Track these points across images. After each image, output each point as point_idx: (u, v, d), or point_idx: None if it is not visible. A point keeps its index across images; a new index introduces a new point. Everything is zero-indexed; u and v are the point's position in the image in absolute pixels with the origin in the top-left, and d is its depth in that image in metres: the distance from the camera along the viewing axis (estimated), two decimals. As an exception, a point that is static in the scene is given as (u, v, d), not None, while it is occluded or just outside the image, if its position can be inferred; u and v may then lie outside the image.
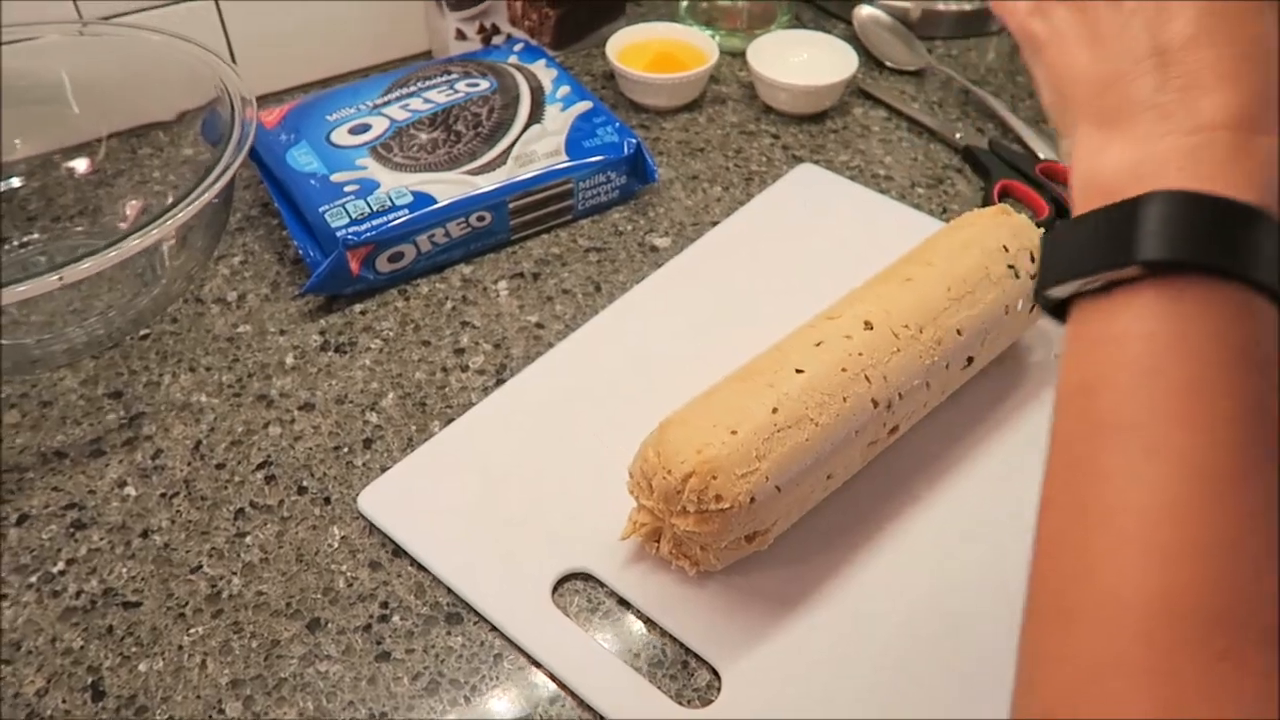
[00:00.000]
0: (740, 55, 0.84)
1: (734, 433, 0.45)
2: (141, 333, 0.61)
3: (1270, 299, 0.30)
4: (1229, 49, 0.32)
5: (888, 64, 0.86)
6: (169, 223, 0.52)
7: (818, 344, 0.50)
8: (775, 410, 0.46)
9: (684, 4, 0.90)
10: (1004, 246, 0.56)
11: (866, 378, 0.48)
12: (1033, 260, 0.56)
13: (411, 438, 0.56)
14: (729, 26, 0.89)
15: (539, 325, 0.63)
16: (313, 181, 0.65)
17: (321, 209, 0.63)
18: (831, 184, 0.74)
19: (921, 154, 0.78)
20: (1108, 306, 0.31)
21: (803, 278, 0.65)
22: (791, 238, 0.69)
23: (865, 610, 0.48)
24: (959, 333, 0.52)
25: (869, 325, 0.50)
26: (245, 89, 0.60)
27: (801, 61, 0.81)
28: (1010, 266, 0.55)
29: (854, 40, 0.87)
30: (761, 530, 0.47)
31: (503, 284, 0.66)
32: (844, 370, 0.48)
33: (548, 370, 0.59)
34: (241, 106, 0.60)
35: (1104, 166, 0.34)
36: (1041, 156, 0.76)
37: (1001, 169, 0.75)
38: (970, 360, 0.54)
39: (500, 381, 0.59)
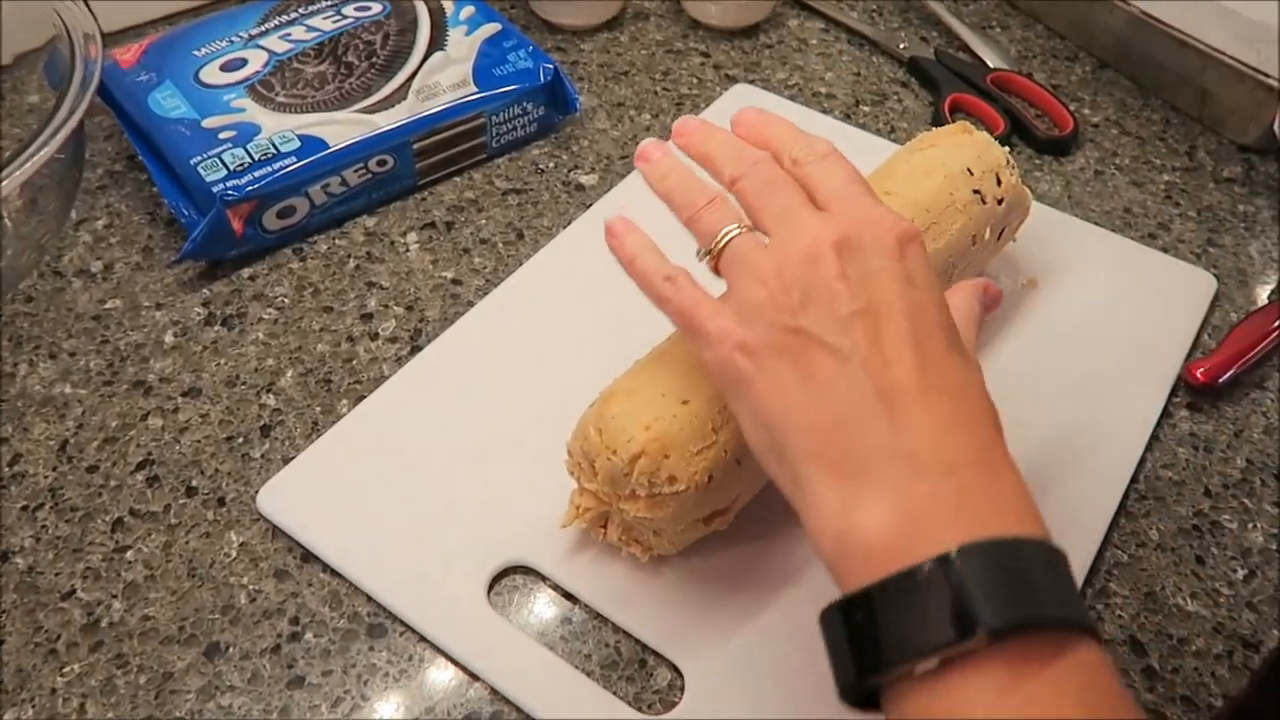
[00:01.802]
0: (663, -35, 0.76)
1: (686, 402, 0.40)
2: (-10, 315, 0.53)
3: (1089, 634, 0.30)
4: (952, 393, 0.33)
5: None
6: (4, 182, 0.44)
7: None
8: (730, 373, 0.40)
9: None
10: (968, 169, 0.50)
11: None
12: (999, 183, 0.51)
13: (316, 421, 0.49)
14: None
15: (456, 281, 0.56)
16: (181, 128, 0.56)
17: (193, 160, 0.54)
18: (770, 105, 0.67)
19: (864, 68, 0.72)
20: (942, 684, 0.29)
21: None
22: None
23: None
24: (926, 269, 0.47)
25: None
26: (87, 22, 0.51)
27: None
28: (976, 191, 0.50)
29: (786, -56, 0.79)
30: (721, 509, 0.41)
31: (412, 236, 0.58)
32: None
33: (468, 333, 0.52)
34: (84, 43, 0.50)
35: (864, 525, 0.31)
36: (991, 65, 0.71)
37: (950, 81, 0.69)
38: (938, 298, 0.49)
39: (415, 349, 0.52)
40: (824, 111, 0.68)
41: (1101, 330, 0.54)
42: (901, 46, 0.72)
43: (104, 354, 0.51)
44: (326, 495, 0.45)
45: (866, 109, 0.68)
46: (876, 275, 0.34)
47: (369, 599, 0.43)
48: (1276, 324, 0.54)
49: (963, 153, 0.51)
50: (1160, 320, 0.55)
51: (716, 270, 0.38)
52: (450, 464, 0.47)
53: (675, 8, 0.75)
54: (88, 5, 0.52)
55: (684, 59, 0.72)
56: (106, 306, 0.54)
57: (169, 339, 0.52)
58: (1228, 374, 0.51)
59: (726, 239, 0.37)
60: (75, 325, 0.53)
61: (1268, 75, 0.62)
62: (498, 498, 0.45)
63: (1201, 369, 0.52)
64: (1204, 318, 0.55)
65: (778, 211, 0.36)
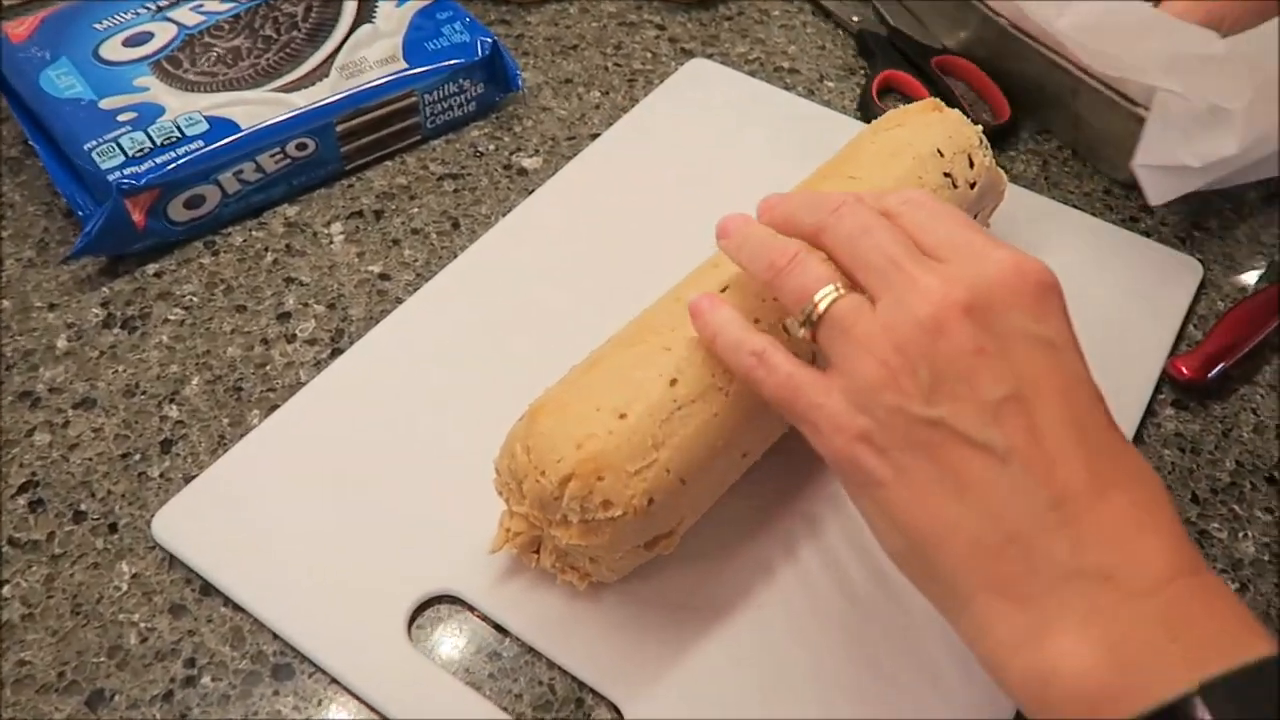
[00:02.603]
0: (614, -69, 0.71)
1: (623, 416, 0.35)
2: None
3: None
4: (1128, 486, 0.29)
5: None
6: None
7: (723, 289, 0.39)
8: (674, 382, 0.36)
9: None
10: (938, 150, 0.46)
11: (784, 328, 0.38)
12: (971, 165, 0.47)
13: (224, 435, 0.44)
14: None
15: (383, 276, 0.51)
16: (76, 110, 0.51)
17: (87, 145, 0.49)
18: (729, 81, 0.63)
19: (830, 41, 0.67)
20: None
21: (703, 198, 0.54)
22: (686, 149, 0.58)
23: (798, 610, 0.39)
24: (891, 261, 0.43)
25: (784, 261, 0.40)
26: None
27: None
28: (947, 174, 0.46)
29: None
30: (665, 533, 0.37)
31: (337, 226, 0.53)
32: (757, 321, 0.38)
33: (394, 334, 0.48)
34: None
35: (1065, 666, 0.27)
36: (944, 46, 0.65)
37: (891, 59, 0.64)
38: (905, 292, 0.45)
39: (336, 352, 0.48)
40: (787, 87, 0.63)
41: (1080, 323, 0.50)
42: (855, 19, 0.67)
43: (-12, 361, 0.46)
44: (230, 519, 0.41)
45: (832, 84, 0.64)
46: (1018, 344, 0.29)
47: (275, 636, 0.38)
48: (1272, 310, 0.50)
49: (932, 132, 0.47)
50: (1143, 311, 0.51)
51: (814, 341, 0.32)
52: (369, 482, 0.42)
53: (628, -23, 0.70)
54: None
55: (637, 31, 0.67)
56: (-6, 308, 0.49)
57: (62, 344, 0.47)
58: (1215, 369, 0.48)
59: (826, 303, 0.31)
60: (-42, 329, 0.48)
61: (1138, 104, 0.52)
62: (422, 519, 0.41)
63: (1187, 364, 0.48)
64: (1189, 307, 0.52)
65: (883, 264, 0.31)
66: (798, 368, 0.32)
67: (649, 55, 0.65)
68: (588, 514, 0.35)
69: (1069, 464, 0.28)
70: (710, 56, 0.65)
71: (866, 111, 0.60)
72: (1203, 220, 0.56)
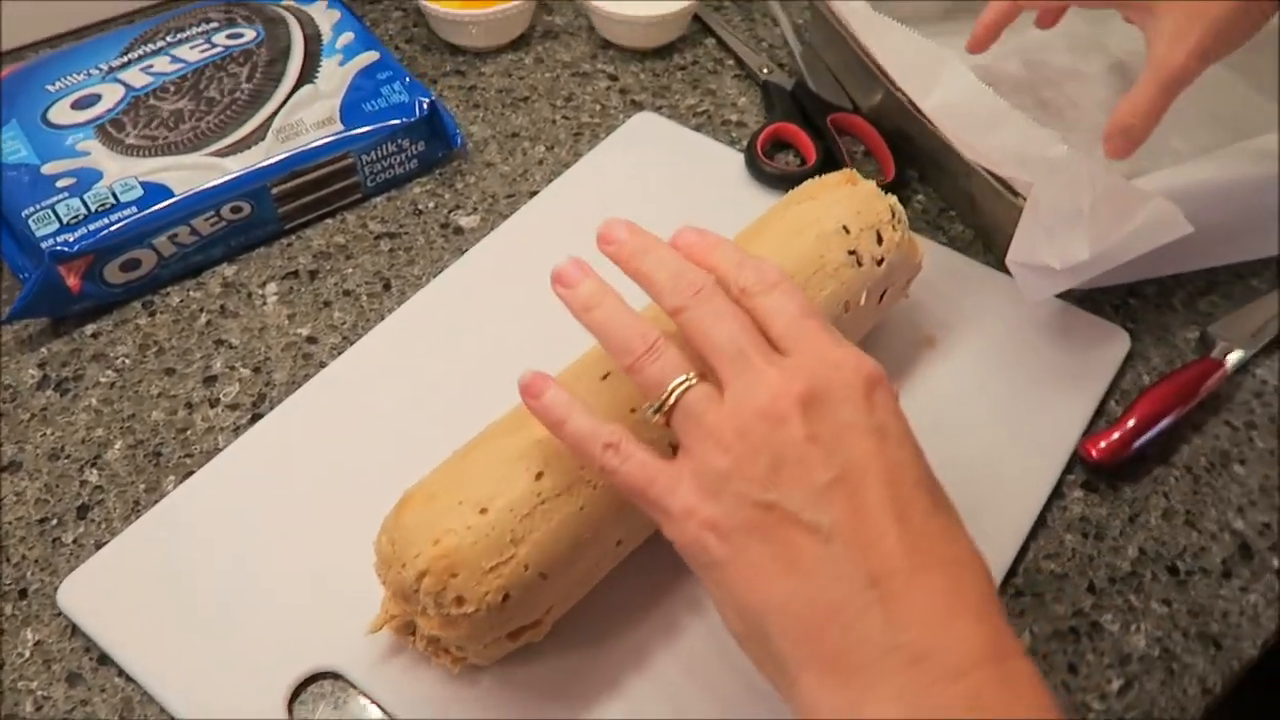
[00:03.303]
0: (573, -21, 0.72)
1: (484, 511, 0.36)
2: None
3: None
4: (946, 569, 0.30)
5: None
6: None
7: (604, 376, 0.40)
8: (540, 475, 0.37)
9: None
10: (844, 227, 0.46)
11: (639, 410, 0.39)
12: (880, 241, 0.47)
13: (139, 501, 0.46)
14: (565, -58, 0.76)
15: (310, 339, 0.53)
16: (19, 175, 0.53)
17: (25, 212, 0.51)
18: (672, 137, 0.63)
19: (781, 92, 0.67)
20: None
21: None
22: (623, 207, 0.57)
23: (679, 698, 0.40)
24: (783, 344, 0.43)
25: (665, 348, 0.40)
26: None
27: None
28: (851, 252, 0.46)
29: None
30: (529, 624, 0.38)
31: (271, 287, 0.55)
32: (633, 411, 0.39)
33: (311, 401, 0.49)
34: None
35: None
36: (855, 107, 0.63)
37: (788, 111, 0.63)
38: (802, 373, 0.45)
39: (256, 417, 0.49)
40: (732, 143, 0.63)
41: (996, 398, 0.50)
42: (764, 70, 0.67)
43: (-75, 423, 0.49)
44: (131, 589, 0.42)
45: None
46: (848, 433, 0.31)
47: (163, 710, 0.40)
48: (1192, 389, 0.49)
49: (840, 208, 0.47)
50: (1064, 384, 0.50)
51: (668, 426, 0.34)
52: (267, 555, 0.44)
53: (588, 24, 0.71)
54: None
55: (590, 82, 0.67)
56: (-64, 368, 0.51)
57: (-4, 405, 0.49)
58: (1129, 451, 0.47)
59: (677, 393, 0.33)
60: (-98, 389, 0.50)
61: (1020, 195, 0.50)
62: (313, 594, 0.42)
63: (1098, 445, 0.47)
64: (1113, 381, 0.51)
65: (732, 353, 0.33)
66: (649, 456, 0.34)
67: (598, 108, 0.66)
68: (443, 608, 0.35)
69: (888, 544, 0.30)
70: (659, 109, 0.65)
71: (751, 163, 0.60)
72: (1140, 287, 0.55)
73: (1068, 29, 0.59)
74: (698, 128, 0.64)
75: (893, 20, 0.56)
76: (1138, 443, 0.47)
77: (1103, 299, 0.55)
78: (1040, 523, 0.46)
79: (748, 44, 0.69)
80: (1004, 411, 0.49)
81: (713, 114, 0.66)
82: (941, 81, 0.51)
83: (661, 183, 0.60)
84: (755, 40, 0.70)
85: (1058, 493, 0.47)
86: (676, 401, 0.33)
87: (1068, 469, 0.47)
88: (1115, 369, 0.51)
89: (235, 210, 0.54)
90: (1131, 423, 0.48)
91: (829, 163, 0.60)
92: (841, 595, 0.30)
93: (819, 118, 0.63)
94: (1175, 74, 0.46)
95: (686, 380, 0.33)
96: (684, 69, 0.69)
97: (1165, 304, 0.55)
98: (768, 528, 0.31)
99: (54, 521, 0.45)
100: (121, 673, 0.41)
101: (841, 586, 0.30)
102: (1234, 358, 0.51)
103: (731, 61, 0.69)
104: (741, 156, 0.61)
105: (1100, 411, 0.50)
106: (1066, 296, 0.54)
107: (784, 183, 0.59)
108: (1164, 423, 0.48)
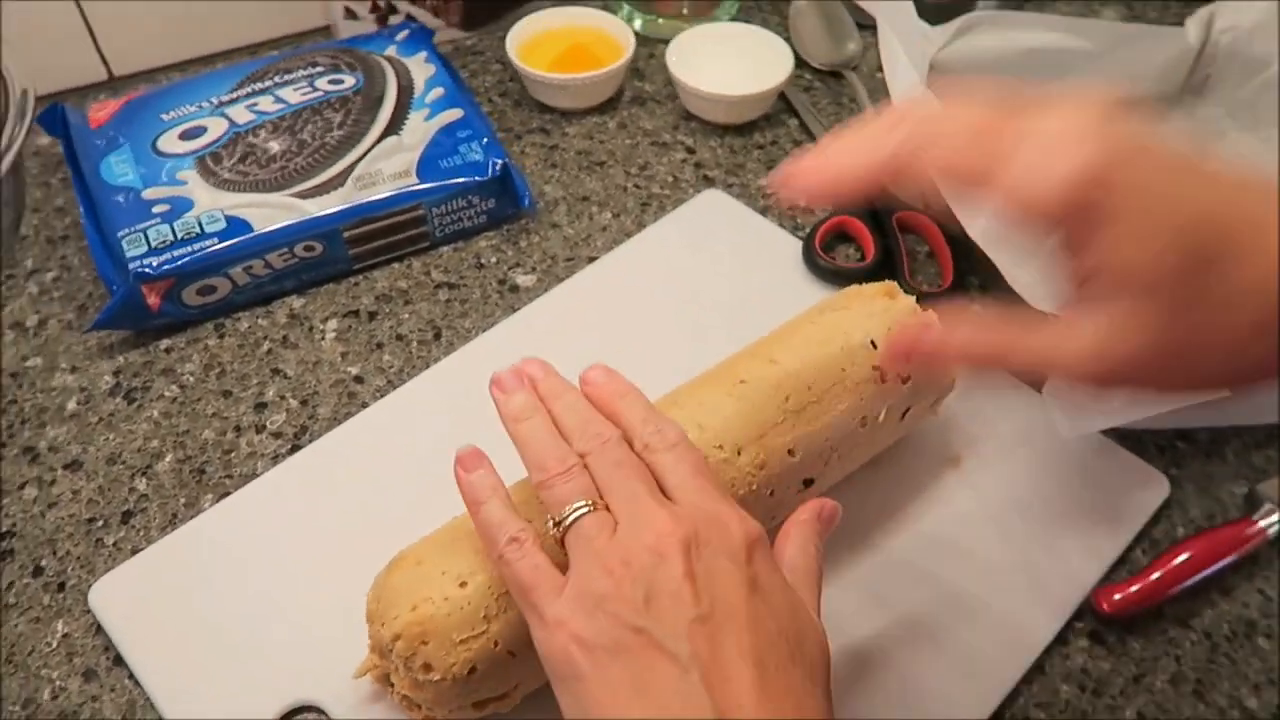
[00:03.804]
0: (667, 50, 0.73)
1: (463, 585, 0.38)
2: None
3: None
4: (790, 714, 0.32)
5: (813, 64, 0.75)
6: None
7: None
8: (523, 556, 0.38)
9: (619, -18, 0.80)
10: (871, 342, 0.46)
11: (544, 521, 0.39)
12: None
13: (177, 514, 0.50)
14: (667, 12, 0.78)
15: (358, 379, 0.56)
16: (120, 198, 0.57)
17: (120, 233, 0.56)
18: (737, 218, 0.64)
19: (855, 182, 0.67)
20: None
21: (683, 336, 0.56)
22: (678, 284, 0.60)
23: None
24: (790, 453, 0.44)
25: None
26: (19, 72, 0.54)
27: (735, 61, 0.70)
28: (875, 368, 0.46)
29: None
30: (496, 696, 0.39)
31: (332, 323, 0.58)
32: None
33: (347, 440, 0.52)
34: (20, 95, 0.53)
35: None
36: (925, 206, 0.62)
37: (852, 202, 0.62)
38: (809, 482, 0.45)
39: (296, 448, 0.52)
40: (797, 229, 0.64)
41: (1012, 529, 0.49)
42: None
43: (8, 415, 0.53)
44: (154, 599, 0.46)
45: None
46: (723, 577, 0.34)
47: (160, 718, 0.43)
48: (1227, 549, 0.47)
49: (873, 321, 0.47)
50: (1090, 526, 0.49)
51: (561, 544, 0.36)
52: (280, 582, 0.46)
53: (675, 92, 0.73)
54: None
55: (667, 153, 0.69)
56: (27, 364, 0.56)
57: (71, 406, 0.54)
58: (1145, 607, 0.46)
59: (575, 516, 0.36)
60: (-5, 379, 0.55)
61: None
62: (313, 628, 0.45)
63: (1115, 596, 0.46)
64: (1143, 529, 0.49)
65: (627, 495, 0.36)
66: (545, 562, 0.35)
67: (670, 179, 0.67)
68: (411, 672, 0.37)
69: (741, 684, 0.31)
70: (730, 186, 0.66)
71: (807, 255, 0.60)
72: (1192, 429, 0.53)
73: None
74: (764, 210, 0.65)
75: None
76: (1155, 602, 0.46)
77: (1148, 438, 0.53)
78: (1037, 668, 0.45)
79: (830, 128, 0.70)
80: (1019, 545, 0.48)
81: (781, 196, 0.66)
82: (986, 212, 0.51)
83: (717, 263, 0.61)
84: (839, 125, 0.71)
85: (1061, 638, 0.46)
86: (573, 523, 0.36)
87: (1077, 615, 0.46)
88: (1148, 516, 0.49)
89: (309, 249, 0.58)
90: (1155, 576, 0.46)
91: (886, 261, 0.60)
92: None
93: (885, 214, 0.63)
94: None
95: (587, 505, 0.36)
96: (762, 148, 0.70)
97: (1216, 453, 0.53)
98: (633, 651, 0.32)
99: (100, 523, 0.49)
100: (132, 676, 0.44)
101: (688, 716, 0.31)
102: (1278, 523, 0.48)
103: (811, 144, 0.70)
104: (799, 244, 0.62)
105: (1124, 559, 0.48)
106: (1108, 430, 0.53)
107: (837, 278, 0.59)
108: (1189, 581, 0.46)
